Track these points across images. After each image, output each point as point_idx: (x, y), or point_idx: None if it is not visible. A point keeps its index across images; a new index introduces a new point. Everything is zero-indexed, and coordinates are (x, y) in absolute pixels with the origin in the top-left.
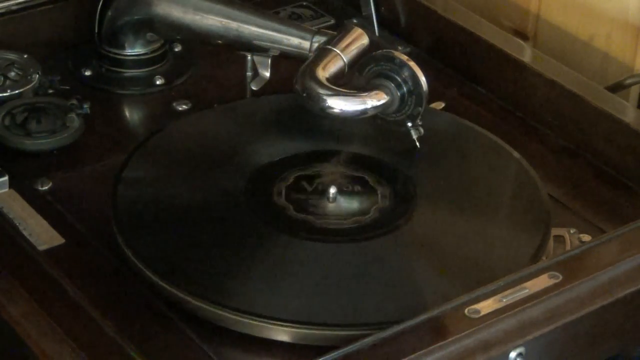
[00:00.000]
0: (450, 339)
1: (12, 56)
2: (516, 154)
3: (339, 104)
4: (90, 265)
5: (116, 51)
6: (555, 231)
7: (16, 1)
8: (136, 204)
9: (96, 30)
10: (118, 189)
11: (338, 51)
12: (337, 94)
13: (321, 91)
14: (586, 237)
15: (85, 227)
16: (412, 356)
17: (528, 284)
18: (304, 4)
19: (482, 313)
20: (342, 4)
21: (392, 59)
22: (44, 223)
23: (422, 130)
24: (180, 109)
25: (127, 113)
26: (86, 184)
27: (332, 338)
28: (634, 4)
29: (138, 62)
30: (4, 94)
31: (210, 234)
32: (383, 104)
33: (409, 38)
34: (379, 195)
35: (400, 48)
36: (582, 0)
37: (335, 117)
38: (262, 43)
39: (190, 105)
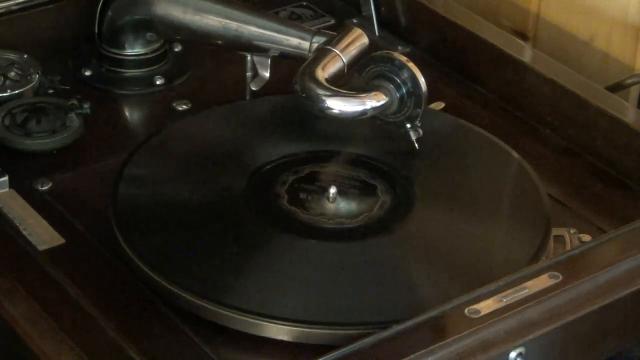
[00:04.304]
0: (450, 339)
1: (12, 56)
2: (516, 154)
3: (338, 105)
4: (90, 265)
5: (116, 51)
6: (555, 231)
7: (16, 1)
8: (136, 204)
9: (96, 30)
10: (118, 189)
11: (337, 52)
12: (336, 94)
13: (320, 92)
14: (586, 237)
15: (85, 227)
16: (412, 356)
17: (528, 284)
18: (304, 4)
19: (482, 313)
20: (342, 4)
21: (391, 60)
22: (44, 223)
23: (421, 131)
24: (180, 109)
25: (127, 113)
26: (86, 184)
27: (332, 338)
28: (634, 4)
29: (138, 62)
30: (4, 94)
31: (210, 233)
32: (382, 105)
33: (409, 38)
34: (379, 195)
35: (400, 48)
36: (582, 0)
37: (335, 117)
38: (262, 43)
39: (190, 105)
